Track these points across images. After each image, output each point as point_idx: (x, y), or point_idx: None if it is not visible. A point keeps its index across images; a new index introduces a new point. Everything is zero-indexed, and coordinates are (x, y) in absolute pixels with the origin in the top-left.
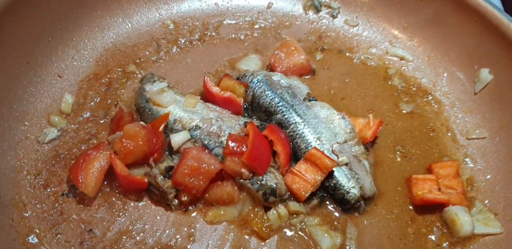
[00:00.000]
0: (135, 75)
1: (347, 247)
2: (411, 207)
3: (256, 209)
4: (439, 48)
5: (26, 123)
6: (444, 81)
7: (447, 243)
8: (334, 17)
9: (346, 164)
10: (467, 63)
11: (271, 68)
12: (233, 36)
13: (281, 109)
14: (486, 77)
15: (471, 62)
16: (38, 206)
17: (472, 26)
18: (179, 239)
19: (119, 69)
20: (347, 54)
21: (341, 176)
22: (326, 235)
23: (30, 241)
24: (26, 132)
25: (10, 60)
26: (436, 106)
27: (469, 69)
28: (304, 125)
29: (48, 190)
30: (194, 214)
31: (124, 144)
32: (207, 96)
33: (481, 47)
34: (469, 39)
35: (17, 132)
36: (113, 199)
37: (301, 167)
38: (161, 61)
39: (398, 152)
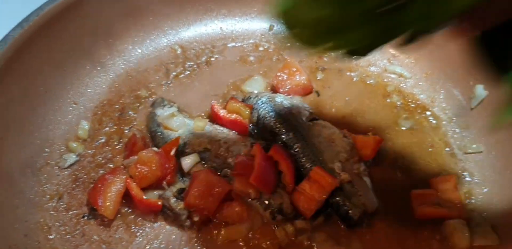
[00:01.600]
0: (146, 99)
1: None
2: (411, 221)
3: (264, 227)
4: (435, 65)
5: (47, 150)
6: (441, 97)
7: None
8: None
9: (348, 182)
10: (462, 79)
11: (274, 89)
12: (238, 58)
13: (284, 130)
14: (481, 93)
15: (466, 79)
16: (62, 228)
17: (466, 43)
18: None
19: (131, 95)
20: (347, 73)
21: (344, 194)
22: None
23: None
24: (47, 158)
25: (30, 90)
26: (434, 122)
27: (464, 85)
28: (307, 145)
29: (70, 212)
30: (206, 233)
31: (139, 169)
32: (215, 119)
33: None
34: (463, 55)
35: (39, 158)
36: (131, 220)
37: (306, 185)
38: (170, 85)
39: (398, 168)
